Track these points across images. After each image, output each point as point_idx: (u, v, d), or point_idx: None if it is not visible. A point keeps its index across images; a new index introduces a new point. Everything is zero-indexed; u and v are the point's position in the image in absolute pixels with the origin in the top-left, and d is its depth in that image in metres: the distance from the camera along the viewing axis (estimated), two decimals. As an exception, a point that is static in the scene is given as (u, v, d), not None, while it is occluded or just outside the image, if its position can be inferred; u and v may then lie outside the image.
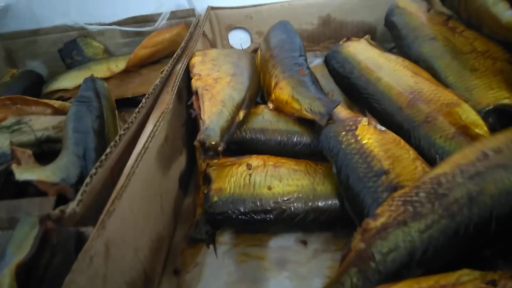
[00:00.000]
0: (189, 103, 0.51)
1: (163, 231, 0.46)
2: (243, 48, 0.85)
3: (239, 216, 0.45)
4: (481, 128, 0.44)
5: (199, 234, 0.47)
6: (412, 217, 0.31)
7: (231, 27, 0.84)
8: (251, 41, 0.85)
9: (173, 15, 0.81)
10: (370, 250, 0.30)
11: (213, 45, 0.82)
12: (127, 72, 0.79)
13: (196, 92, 0.51)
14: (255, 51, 0.76)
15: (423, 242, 0.30)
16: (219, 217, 0.46)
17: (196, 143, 0.43)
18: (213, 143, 0.43)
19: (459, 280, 0.28)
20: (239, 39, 0.85)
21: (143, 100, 0.48)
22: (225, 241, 0.48)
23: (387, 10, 0.69)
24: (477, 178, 0.31)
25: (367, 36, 0.64)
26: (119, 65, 0.78)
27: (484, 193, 0.30)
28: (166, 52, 0.80)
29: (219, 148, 0.43)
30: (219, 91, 0.51)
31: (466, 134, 0.43)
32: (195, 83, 0.53)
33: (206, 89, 0.51)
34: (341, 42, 0.71)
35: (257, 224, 0.46)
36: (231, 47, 0.86)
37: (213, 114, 0.47)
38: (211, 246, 0.47)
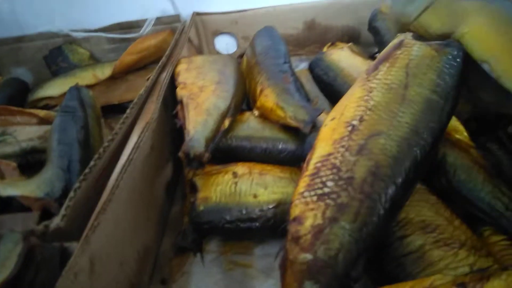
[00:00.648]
0: (174, 112, 0.51)
1: (150, 241, 0.46)
2: (230, 53, 0.85)
3: (225, 225, 0.45)
4: (461, 133, 0.46)
5: (185, 242, 0.47)
6: (338, 210, 0.32)
7: (217, 33, 0.84)
8: (237, 46, 0.86)
9: (159, 21, 0.81)
10: (319, 258, 0.30)
11: (199, 51, 0.82)
12: (113, 78, 0.79)
13: (181, 102, 0.51)
14: (241, 56, 0.76)
15: (360, 229, 0.31)
16: (205, 226, 0.46)
17: (180, 154, 0.43)
18: (197, 154, 0.43)
19: (432, 284, 0.30)
20: (225, 44, 0.86)
21: (128, 110, 0.48)
22: (212, 249, 0.48)
23: (370, 16, 0.70)
24: (365, 152, 0.34)
25: (350, 44, 0.65)
26: (105, 71, 0.78)
27: (379, 165, 0.33)
28: (152, 58, 0.80)
29: (203, 159, 0.43)
30: (204, 100, 0.51)
31: (447, 140, 0.44)
32: (180, 92, 0.53)
33: (191, 98, 0.51)
34: (325, 48, 0.72)
35: (243, 232, 0.46)
36: (218, 52, 0.86)
37: (198, 124, 0.47)
38: (198, 255, 0.47)
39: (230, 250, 0.48)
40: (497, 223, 0.38)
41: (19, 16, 0.83)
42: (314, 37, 0.82)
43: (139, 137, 0.45)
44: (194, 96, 0.52)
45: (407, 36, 0.45)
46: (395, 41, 0.45)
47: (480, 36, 0.40)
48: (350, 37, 0.80)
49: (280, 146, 0.53)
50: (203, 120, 0.48)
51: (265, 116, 0.55)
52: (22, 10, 0.82)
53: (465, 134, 0.45)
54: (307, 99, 0.55)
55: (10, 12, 0.82)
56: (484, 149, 0.46)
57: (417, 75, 0.40)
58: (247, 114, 0.58)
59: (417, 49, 0.43)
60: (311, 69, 0.61)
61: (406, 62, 0.42)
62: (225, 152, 0.54)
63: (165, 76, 0.57)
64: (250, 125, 0.56)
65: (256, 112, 0.57)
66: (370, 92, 0.40)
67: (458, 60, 0.40)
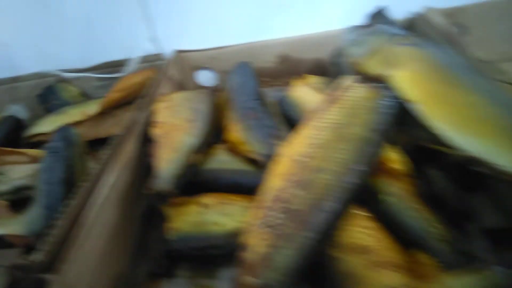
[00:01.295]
0: (147, 151, 0.57)
1: (125, 269, 0.51)
2: (210, 85, 0.92)
3: (193, 252, 0.51)
4: (397, 163, 0.51)
5: (158, 269, 0.52)
6: (280, 238, 0.38)
7: (197, 68, 0.91)
8: (216, 79, 0.92)
9: (143, 59, 0.88)
10: (263, 281, 0.36)
11: (181, 85, 0.88)
12: (102, 114, 0.85)
13: (154, 140, 0.57)
14: (219, 89, 0.82)
15: (298, 255, 0.37)
16: (175, 253, 0.51)
17: (145, 191, 0.49)
18: (161, 190, 0.48)
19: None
20: (205, 78, 0.92)
21: (105, 150, 0.54)
22: (182, 274, 0.53)
23: (331, 53, 0.76)
24: (310, 187, 0.40)
25: (314, 80, 0.71)
26: (93, 108, 0.84)
27: (323, 198, 0.39)
28: (137, 94, 0.85)
29: (168, 195, 0.49)
30: (174, 138, 0.57)
31: (382, 169, 0.49)
32: (154, 131, 0.59)
33: (163, 137, 0.57)
34: (292, 84, 0.78)
35: (210, 258, 0.52)
36: (198, 86, 0.93)
37: (165, 161, 0.52)
38: (170, 280, 0.52)
39: (199, 275, 0.53)
40: (427, 248, 0.43)
41: (14, 59, 0.90)
42: (287, 69, 0.88)
43: (116, 174, 0.50)
44: (166, 135, 0.57)
45: (351, 79, 0.51)
46: (340, 82, 0.51)
47: (408, 79, 0.46)
48: (320, 69, 0.86)
49: (246, 178, 0.58)
50: (170, 158, 0.53)
51: (232, 150, 0.61)
52: (16, 54, 0.89)
53: (401, 163, 0.50)
54: (274, 130, 0.61)
55: (5, 55, 0.90)
56: (423, 177, 0.51)
57: (356, 115, 0.46)
58: (217, 147, 0.63)
59: (358, 91, 0.48)
60: (280, 105, 0.67)
61: (348, 103, 0.47)
62: (196, 183, 0.59)
63: (142, 115, 0.63)
64: (220, 158, 0.61)
65: (226, 146, 0.63)
66: (317, 130, 0.46)
67: (392, 101, 0.46)
